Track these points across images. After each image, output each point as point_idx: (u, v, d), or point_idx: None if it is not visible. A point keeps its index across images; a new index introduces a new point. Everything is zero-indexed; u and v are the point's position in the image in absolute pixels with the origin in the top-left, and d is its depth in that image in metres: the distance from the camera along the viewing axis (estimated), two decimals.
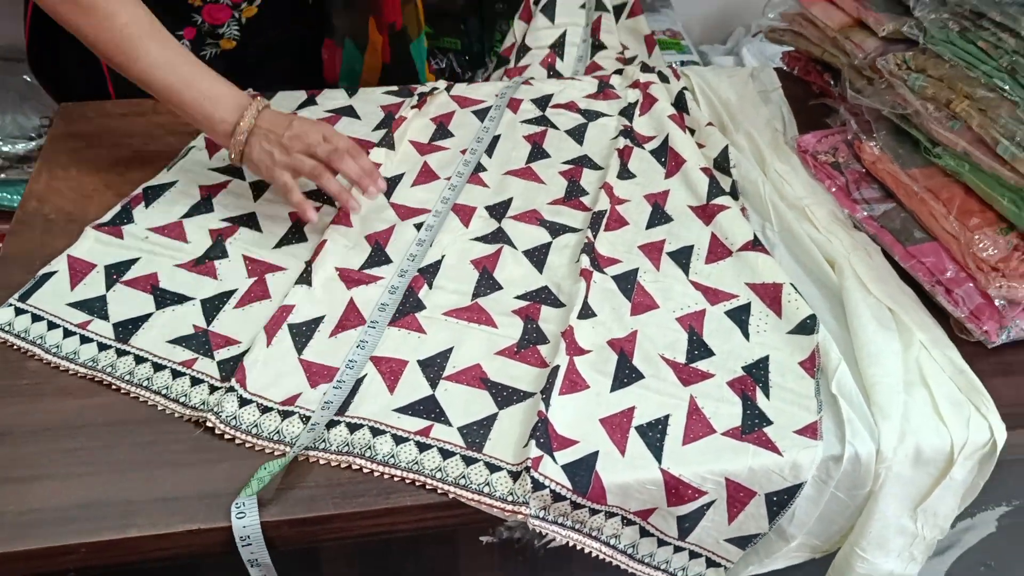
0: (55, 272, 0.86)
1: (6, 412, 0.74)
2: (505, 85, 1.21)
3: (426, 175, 1.03)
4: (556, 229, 0.96)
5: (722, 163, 1.05)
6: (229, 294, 0.86)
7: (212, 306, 0.84)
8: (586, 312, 0.85)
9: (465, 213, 0.97)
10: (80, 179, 0.98)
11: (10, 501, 0.67)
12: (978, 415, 0.79)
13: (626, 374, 0.80)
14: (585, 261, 0.89)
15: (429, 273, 0.89)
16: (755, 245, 0.92)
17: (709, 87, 1.18)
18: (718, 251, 0.94)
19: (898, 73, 0.97)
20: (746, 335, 0.85)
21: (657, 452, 0.74)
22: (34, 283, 0.85)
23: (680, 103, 1.16)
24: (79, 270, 0.87)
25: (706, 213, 0.98)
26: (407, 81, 1.25)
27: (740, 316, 0.87)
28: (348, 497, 0.70)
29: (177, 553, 0.68)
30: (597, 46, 1.37)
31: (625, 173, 1.05)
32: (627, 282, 0.89)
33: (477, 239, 0.94)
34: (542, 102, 1.18)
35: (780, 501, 0.75)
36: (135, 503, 0.68)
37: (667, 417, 0.77)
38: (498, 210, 0.98)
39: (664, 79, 1.21)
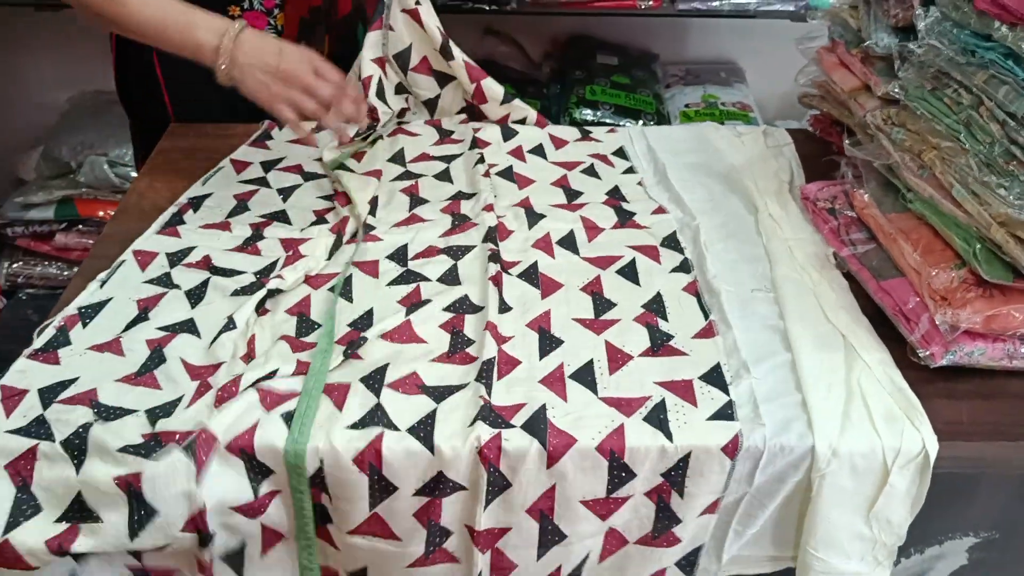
0: None
1: None
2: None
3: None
4: (458, 252, 1.06)
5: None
6: (175, 402, 0.84)
7: (158, 413, 0.82)
8: (503, 307, 0.97)
9: (370, 268, 1.04)
10: (173, 183, 1.19)
11: None
12: (911, 428, 0.86)
13: (548, 344, 0.93)
14: (492, 269, 1.01)
15: (360, 325, 0.95)
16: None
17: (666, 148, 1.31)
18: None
19: (883, 127, 1.07)
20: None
21: (592, 387, 0.88)
22: None
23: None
24: (9, 396, 0.85)
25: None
26: None
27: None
28: None
29: None
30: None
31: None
32: (533, 274, 1.03)
33: (392, 283, 1.02)
34: (399, 156, 1.27)
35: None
36: None
37: (592, 361, 0.91)
38: (399, 256, 1.06)
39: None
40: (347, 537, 0.86)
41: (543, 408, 0.85)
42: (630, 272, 1.05)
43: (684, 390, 0.88)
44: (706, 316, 0.98)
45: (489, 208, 1.13)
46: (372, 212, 1.14)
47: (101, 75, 2.27)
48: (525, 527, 0.87)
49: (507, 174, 1.23)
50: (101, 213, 2.12)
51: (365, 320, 0.96)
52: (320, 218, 1.13)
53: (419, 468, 0.82)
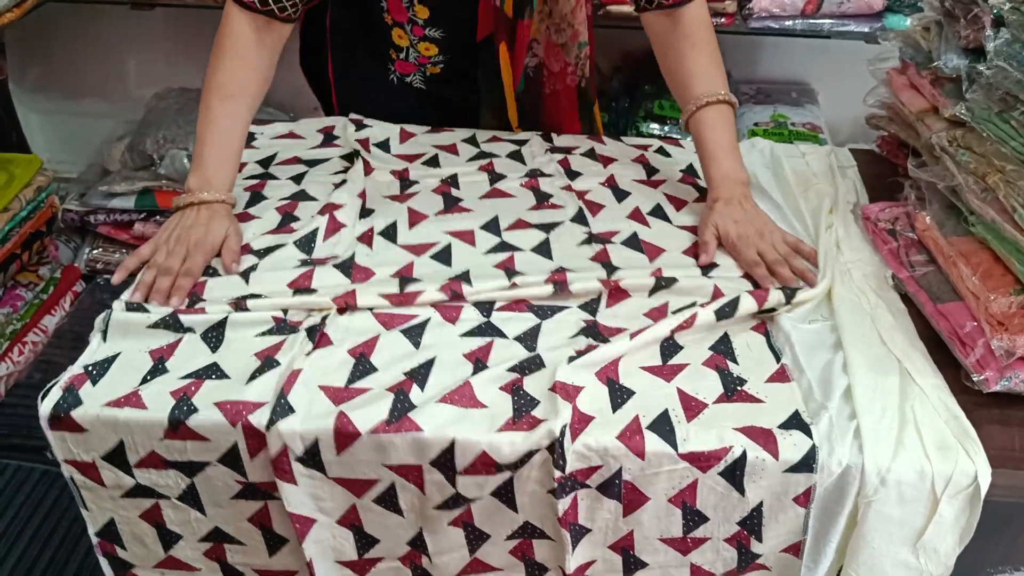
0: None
1: None
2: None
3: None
4: (546, 312, 0.99)
5: None
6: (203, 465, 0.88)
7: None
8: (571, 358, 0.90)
9: (451, 312, 0.99)
10: None
11: None
12: (965, 456, 0.84)
13: (620, 396, 0.89)
14: (582, 343, 0.94)
15: (419, 375, 0.90)
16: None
17: (775, 160, 1.30)
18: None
19: (948, 149, 1.05)
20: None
21: (672, 440, 0.85)
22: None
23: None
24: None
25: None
26: None
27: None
28: None
29: None
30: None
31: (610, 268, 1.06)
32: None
33: (467, 334, 0.96)
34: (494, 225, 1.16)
35: None
36: None
37: (666, 411, 0.87)
38: (484, 306, 1.00)
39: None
40: None
41: (619, 472, 0.85)
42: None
43: (765, 438, 0.85)
44: (777, 359, 0.95)
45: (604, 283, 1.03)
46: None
47: (186, 73, 2.39)
48: (609, 558, 0.92)
49: (633, 243, 1.13)
50: None
51: (423, 371, 0.91)
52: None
53: (506, 522, 0.90)
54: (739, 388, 0.90)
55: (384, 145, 1.30)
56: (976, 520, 0.86)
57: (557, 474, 0.83)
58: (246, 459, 0.87)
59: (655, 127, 2.11)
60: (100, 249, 2.31)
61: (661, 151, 1.35)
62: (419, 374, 0.90)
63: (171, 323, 0.95)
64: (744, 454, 0.84)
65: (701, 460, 0.84)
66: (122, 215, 2.24)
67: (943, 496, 0.84)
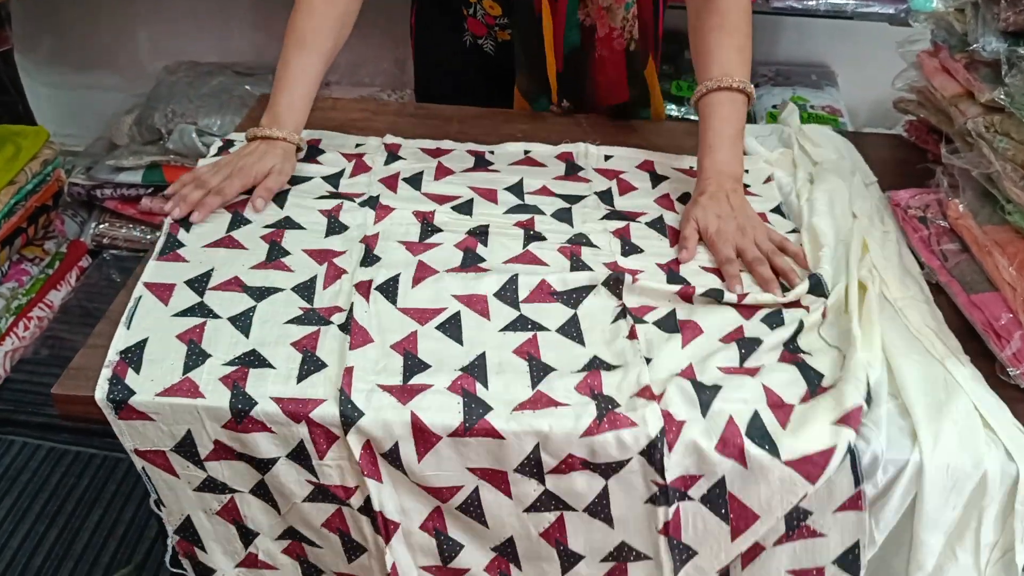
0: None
1: None
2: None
3: (421, 270, 0.99)
4: (573, 299, 0.96)
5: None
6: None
7: None
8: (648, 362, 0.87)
9: (477, 304, 0.95)
10: None
11: None
12: (1006, 450, 0.82)
13: (705, 394, 0.84)
14: (624, 327, 0.90)
15: (474, 371, 0.86)
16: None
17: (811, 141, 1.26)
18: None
19: (985, 135, 1.02)
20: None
21: (771, 445, 0.81)
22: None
23: None
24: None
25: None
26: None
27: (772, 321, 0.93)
28: None
29: None
30: None
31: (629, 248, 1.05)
32: (670, 322, 0.93)
33: (506, 329, 0.92)
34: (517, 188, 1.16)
35: None
36: None
37: (756, 412, 0.83)
38: (508, 295, 0.96)
39: None
40: None
41: (723, 480, 0.82)
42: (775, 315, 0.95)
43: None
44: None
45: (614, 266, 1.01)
46: (484, 240, 1.05)
47: (197, 46, 2.35)
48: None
49: (658, 225, 1.11)
50: None
51: (478, 367, 0.87)
52: (331, 218, 1.07)
53: (600, 540, 0.87)
54: (819, 384, 0.87)
55: (415, 181, 1.16)
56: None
57: (658, 479, 0.81)
58: (315, 459, 0.84)
59: (672, 108, 2.07)
60: (106, 224, 2.28)
61: None
62: (474, 370, 0.86)
63: (196, 309, 0.93)
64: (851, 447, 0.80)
65: (809, 464, 0.80)
66: (129, 190, 2.21)
67: (988, 490, 0.82)
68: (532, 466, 0.83)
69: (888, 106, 2.43)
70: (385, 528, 0.87)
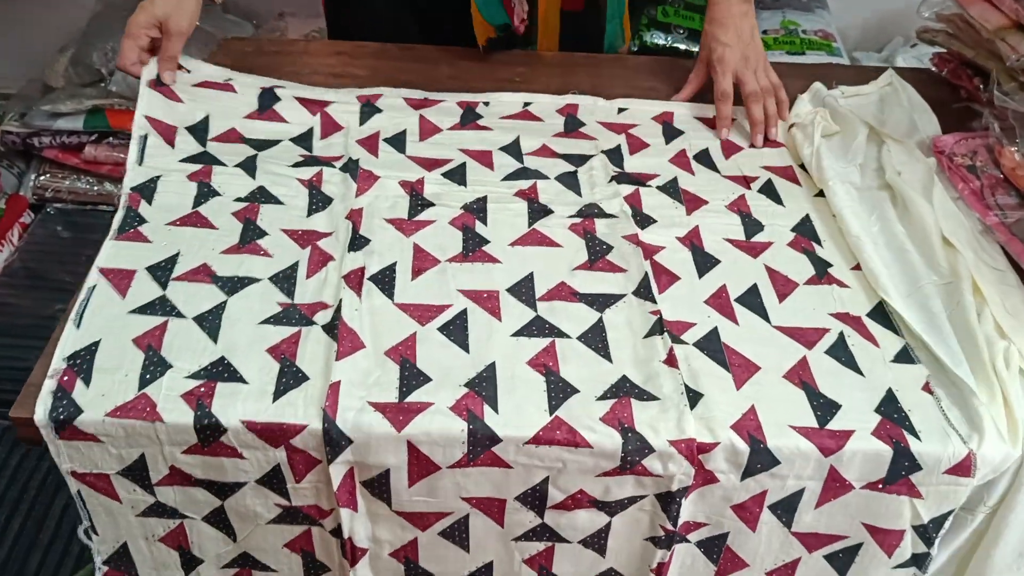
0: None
1: None
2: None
3: (421, 260, 0.87)
4: (599, 301, 0.84)
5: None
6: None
7: None
8: (694, 399, 0.75)
9: (488, 301, 0.83)
10: None
11: None
12: None
13: (758, 465, 0.74)
14: (660, 346, 0.78)
15: (482, 389, 0.74)
16: (820, 277, 0.88)
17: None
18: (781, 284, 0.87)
19: None
20: (858, 371, 0.79)
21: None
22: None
23: None
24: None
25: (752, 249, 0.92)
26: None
27: (838, 353, 0.81)
28: None
29: None
30: None
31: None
32: (713, 344, 0.81)
33: (519, 333, 0.80)
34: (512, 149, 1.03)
35: None
36: None
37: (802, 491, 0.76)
38: (523, 292, 0.84)
39: None
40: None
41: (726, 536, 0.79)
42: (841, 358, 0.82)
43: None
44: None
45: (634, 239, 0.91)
46: (483, 218, 0.93)
47: None
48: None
49: (672, 189, 1.00)
50: None
51: (487, 384, 0.76)
52: (312, 188, 0.94)
53: (588, 566, 0.81)
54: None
55: (398, 141, 1.02)
56: None
57: (667, 525, 0.75)
58: (291, 483, 0.74)
59: (659, 36, 1.93)
60: (48, 175, 2.11)
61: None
62: (482, 387, 0.74)
63: (156, 306, 0.79)
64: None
65: (819, 540, 0.79)
66: (70, 137, 2.03)
67: None
68: (535, 498, 0.75)
69: (880, 28, 2.33)
70: (352, 553, 0.78)
